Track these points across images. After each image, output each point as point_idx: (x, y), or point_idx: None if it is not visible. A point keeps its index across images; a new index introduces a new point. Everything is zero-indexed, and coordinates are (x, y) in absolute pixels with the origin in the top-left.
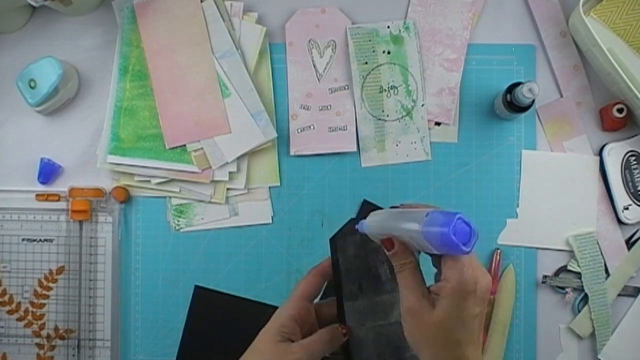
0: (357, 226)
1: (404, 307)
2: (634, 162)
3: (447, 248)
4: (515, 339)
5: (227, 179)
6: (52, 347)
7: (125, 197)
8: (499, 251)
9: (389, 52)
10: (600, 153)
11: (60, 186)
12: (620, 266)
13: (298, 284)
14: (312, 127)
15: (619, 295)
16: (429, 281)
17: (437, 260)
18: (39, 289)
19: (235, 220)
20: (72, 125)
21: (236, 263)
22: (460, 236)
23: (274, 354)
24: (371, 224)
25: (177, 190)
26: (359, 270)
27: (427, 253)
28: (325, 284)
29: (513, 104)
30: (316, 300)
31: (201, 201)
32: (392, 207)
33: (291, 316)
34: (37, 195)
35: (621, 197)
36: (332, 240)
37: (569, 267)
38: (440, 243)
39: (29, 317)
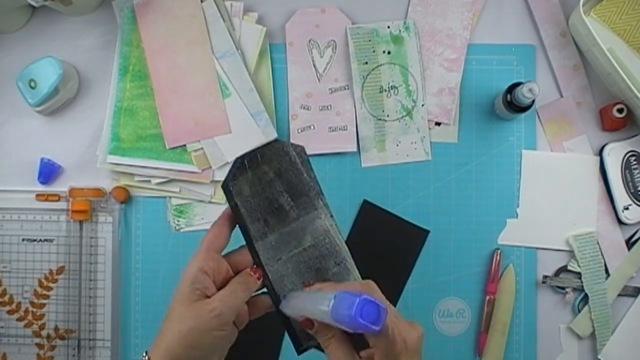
0: (280, 306)
1: None
2: (634, 162)
3: (359, 329)
4: (515, 339)
5: None
6: (52, 347)
7: (125, 197)
8: (499, 251)
9: (389, 52)
10: (600, 153)
11: (60, 186)
12: (620, 266)
13: (203, 238)
14: (312, 127)
15: (619, 295)
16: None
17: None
18: (39, 289)
19: None
20: (72, 125)
21: None
22: (368, 316)
23: (192, 316)
24: (288, 307)
25: (177, 190)
26: (260, 208)
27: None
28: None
29: (513, 104)
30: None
31: (201, 201)
32: (305, 285)
33: (200, 269)
34: (37, 195)
35: (621, 197)
36: (225, 185)
37: (569, 267)
38: (350, 325)
39: (29, 317)
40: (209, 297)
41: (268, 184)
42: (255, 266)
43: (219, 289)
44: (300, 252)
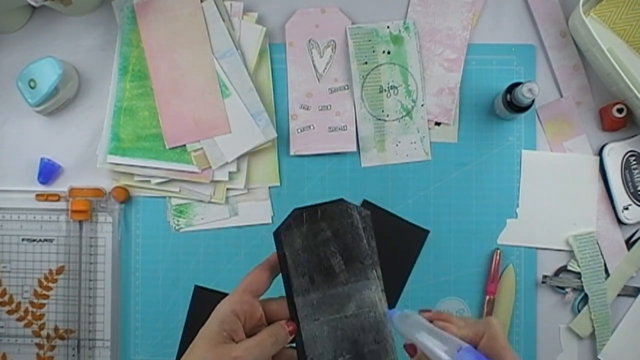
0: (387, 314)
1: None
2: (634, 162)
3: None
4: (515, 339)
5: (227, 179)
6: (52, 347)
7: (125, 197)
8: (499, 251)
9: (388, 52)
10: (600, 153)
11: (60, 186)
12: (620, 266)
13: (243, 279)
14: (312, 127)
15: (619, 295)
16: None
17: None
18: (39, 289)
19: (235, 220)
20: (72, 125)
21: (236, 263)
22: None
23: (214, 359)
24: (399, 323)
25: (177, 190)
26: (308, 263)
27: None
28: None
29: (513, 104)
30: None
31: (201, 201)
32: (421, 311)
33: (232, 311)
34: (37, 195)
35: (621, 197)
36: (276, 233)
37: (569, 267)
38: None
39: (29, 317)
40: (235, 341)
41: (323, 242)
42: (290, 320)
43: (248, 335)
44: (340, 318)
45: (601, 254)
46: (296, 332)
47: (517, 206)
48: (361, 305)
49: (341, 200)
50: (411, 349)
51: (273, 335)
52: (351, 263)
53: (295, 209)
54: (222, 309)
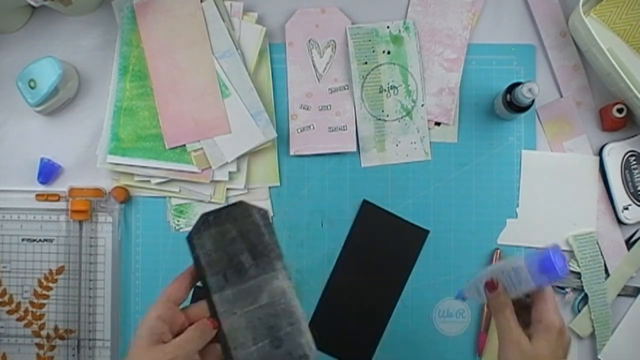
0: (457, 297)
1: (507, 339)
2: (634, 162)
3: (545, 273)
4: None
5: (227, 179)
6: (52, 347)
7: (125, 197)
8: (499, 251)
9: (388, 52)
10: (600, 153)
11: (60, 186)
12: (620, 266)
13: (164, 290)
14: (312, 127)
15: (619, 295)
16: None
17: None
18: (39, 289)
19: None
20: (72, 125)
21: None
22: (558, 262)
23: (148, 359)
24: (469, 289)
25: (177, 190)
26: (221, 262)
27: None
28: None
29: (513, 104)
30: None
31: (201, 201)
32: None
33: (159, 317)
34: (37, 195)
35: (621, 197)
36: (188, 238)
37: (569, 267)
38: (539, 269)
39: (29, 317)
40: (165, 342)
41: (230, 241)
42: (211, 317)
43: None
44: (255, 308)
45: (601, 254)
46: (218, 327)
47: (517, 206)
48: (272, 295)
49: (241, 202)
50: (490, 285)
51: (198, 330)
52: (258, 257)
53: (202, 215)
54: (148, 317)
